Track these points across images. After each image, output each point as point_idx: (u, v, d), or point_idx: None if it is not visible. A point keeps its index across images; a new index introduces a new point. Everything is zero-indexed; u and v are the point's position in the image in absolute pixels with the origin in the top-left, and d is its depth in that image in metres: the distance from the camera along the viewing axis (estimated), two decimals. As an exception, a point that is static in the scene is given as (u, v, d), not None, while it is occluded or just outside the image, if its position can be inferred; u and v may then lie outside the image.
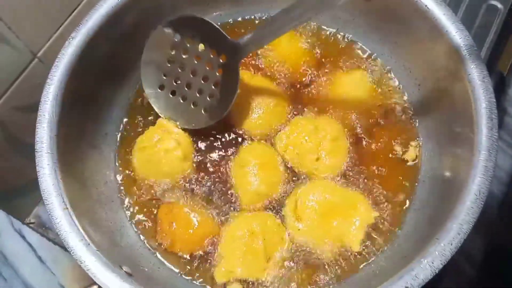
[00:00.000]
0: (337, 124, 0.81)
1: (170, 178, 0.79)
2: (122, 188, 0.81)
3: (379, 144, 0.81)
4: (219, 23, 0.91)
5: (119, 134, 0.85)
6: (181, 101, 0.80)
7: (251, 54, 0.89)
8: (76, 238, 0.62)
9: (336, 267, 0.73)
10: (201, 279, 0.74)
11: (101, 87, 0.81)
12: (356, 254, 0.73)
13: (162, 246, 0.76)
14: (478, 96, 0.67)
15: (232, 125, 0.83)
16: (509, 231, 0.89)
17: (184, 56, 0.78)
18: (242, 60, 0.77)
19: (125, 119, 0.86)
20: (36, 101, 0.82)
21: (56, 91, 0.71)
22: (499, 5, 0.94)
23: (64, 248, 0.80)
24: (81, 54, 0.74)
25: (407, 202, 0.77)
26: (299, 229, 0.74)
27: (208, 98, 0.79)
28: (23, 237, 0.79)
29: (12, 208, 0.85)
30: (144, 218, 0.78)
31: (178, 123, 0.81)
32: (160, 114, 0.82)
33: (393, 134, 0.82)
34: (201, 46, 0.77)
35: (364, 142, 0.81)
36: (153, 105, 0.82)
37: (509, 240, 0.88)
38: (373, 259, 0.73)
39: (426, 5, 0.73)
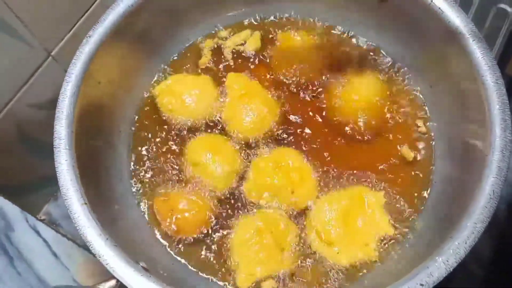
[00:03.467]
0: (292, 150, 0.81)
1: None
2: (135, 185, 0.82)
3: (391, 145, 0.82)
4: (232, 23, 0.94)
5: (133, 132, 0.86)
6: None
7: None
8: (95, 232, 0.62)
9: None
10: (218, 277, 0.75)
11: (116, 85, 0.82)
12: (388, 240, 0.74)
13: (169, 234, 0.77)
14: (492, 97, 0.67)
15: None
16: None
17: None
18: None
19: (137, 117, 0.87)
20: (49, 99, 0.84)
21: (74, 89, 0.72)
22: (509, 9, 0.94)
23: (78, 243, 0.81)
24: (97, 53, 0.75)
25: (420, 202, 0.78)
26: (338, 253, 0.73)
27: None
28: (37, 232, 0.80)
29: (23, 205, 0.85)
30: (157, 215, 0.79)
31: None
32: None
33: (405, 135, 0.83)
34: None
35: (375, 143, 0.82)
36: None
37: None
38: (383, 261, 0.73)
39: (439, 7, 0.73)
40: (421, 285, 0.57)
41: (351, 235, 0.73)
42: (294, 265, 0.73)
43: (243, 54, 0.91)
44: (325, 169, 0.80)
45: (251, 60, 0.91)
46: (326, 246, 0.73)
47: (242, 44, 0.92)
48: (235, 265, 0.73)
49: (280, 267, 0.72)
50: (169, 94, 0.85)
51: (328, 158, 0.81)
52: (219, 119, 0.85)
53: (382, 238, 0.74)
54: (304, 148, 0.82)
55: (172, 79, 0.88)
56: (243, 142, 0.82)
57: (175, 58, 0.92)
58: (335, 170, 0.80)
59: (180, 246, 0.77)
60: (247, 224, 0.75)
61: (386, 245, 0.74)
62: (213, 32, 0.94)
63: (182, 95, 0.84)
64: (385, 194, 0.76)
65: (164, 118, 0.86)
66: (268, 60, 0.90)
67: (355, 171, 0.79)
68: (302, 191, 0.77)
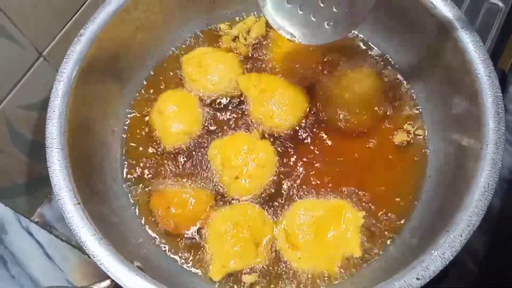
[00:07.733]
0: (271, 153, 0.80)
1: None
2: (130, 183, 0.81)
3: (385, 138, 0.82)
4: (225, 22, 0.94)
5: (127, 130, 0.86)
6: (301, 12, 0.71)
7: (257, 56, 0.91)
8: (88, 233, 0.62)
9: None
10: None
11: (108, 84, 0.82)
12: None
13: (165, 232, 0.77)
14: (485, 91, 0.68)
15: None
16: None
17: None
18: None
19: (131, 116, 0.87)
20: (41, 99, 0.83)
21: (66, 88, 0.71)
22: (500, 4, 0.95)
23: (72, 245, 0.81)
24: (89, 51, 0.75)
25: (415, 196, 0.78)
26: (299, 258, 0.72)
27: (334, 9, 0.69)
28: (31, 234, 0.79)
29: (16, 207, 0.85)
30: (152, 214, 0.78)
31: (295, 37, 0.73)
32: (274, 27, 0.74)
33: (399, 128, 0.83)
34: None
35: (370, 137, 0.82)
36: (267, 18, 0.74)
37: (511, 237, 0.88)
38: (380, 255, 0.74)
39: (432, 2, 0.74)
40: (417, 279, 0.57)
41: (318, 243, 0.72)
42: (268, 259, 0.73)
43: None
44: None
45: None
46: (290, 248, 0.73)
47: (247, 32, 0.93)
48: (209, 256, 0.73)
49: (252, 261, 0.72)
50: (195, 64, 0.86)
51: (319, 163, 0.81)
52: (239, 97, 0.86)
53: (347, 257, 0.73)
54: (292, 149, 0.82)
55: (201, 50, 0.89)
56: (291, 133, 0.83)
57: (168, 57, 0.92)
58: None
59: (175, 244, 0.76)
60: (225, 215, 0.75)
61: (385, 238, 0.74)
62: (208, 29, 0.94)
63: (208, 67, 0.85)
64: (377, 190, 0.77)
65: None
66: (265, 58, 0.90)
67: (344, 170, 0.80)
68: (240, 184, 0.77)
